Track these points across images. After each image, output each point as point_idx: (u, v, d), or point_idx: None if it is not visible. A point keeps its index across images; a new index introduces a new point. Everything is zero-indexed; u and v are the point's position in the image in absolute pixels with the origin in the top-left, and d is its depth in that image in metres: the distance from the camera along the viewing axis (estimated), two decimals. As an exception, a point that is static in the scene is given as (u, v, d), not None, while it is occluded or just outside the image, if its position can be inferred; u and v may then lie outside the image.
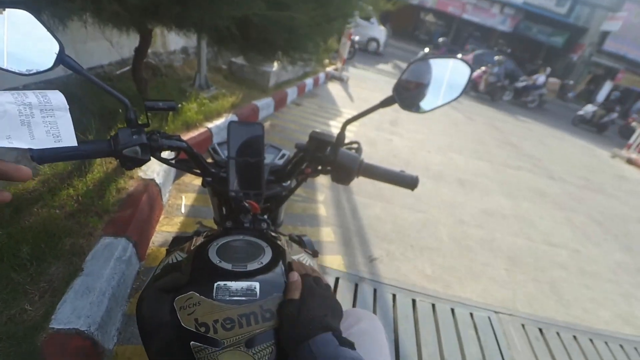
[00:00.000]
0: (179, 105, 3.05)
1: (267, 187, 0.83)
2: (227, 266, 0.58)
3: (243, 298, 0.52)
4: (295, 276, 0.58)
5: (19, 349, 1.09)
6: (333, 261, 2.25)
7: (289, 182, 0.93)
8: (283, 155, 0.97)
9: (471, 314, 2.17)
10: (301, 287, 0.57)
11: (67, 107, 0.36)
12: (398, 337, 1.85)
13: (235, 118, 3.56)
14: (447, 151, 5.31)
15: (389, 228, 2.82)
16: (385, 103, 0.74)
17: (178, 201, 2.32)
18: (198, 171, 0.81)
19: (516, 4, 21.91)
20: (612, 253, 3.62)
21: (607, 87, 18.30)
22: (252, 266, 0.59)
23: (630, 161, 8.58)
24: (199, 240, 0.70)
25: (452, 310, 2.16)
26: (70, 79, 2.79)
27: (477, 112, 9.53)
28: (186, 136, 2.78)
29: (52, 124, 0.35)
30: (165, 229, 2.05)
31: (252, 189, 0.76)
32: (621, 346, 2.31)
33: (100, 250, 1.50)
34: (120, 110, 2.47)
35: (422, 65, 0.74)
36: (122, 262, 1.50)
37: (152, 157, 0.69)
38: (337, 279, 2.11)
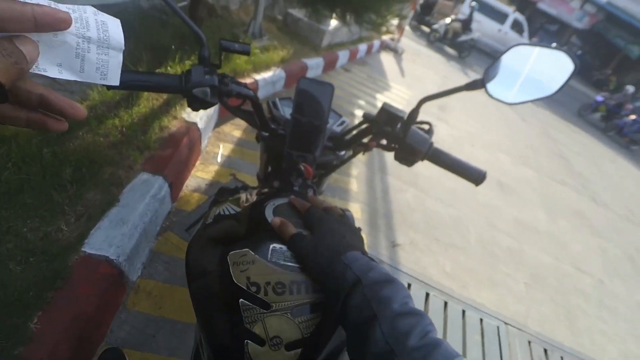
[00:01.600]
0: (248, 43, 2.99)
1: (323, 154, 0.80)
2: None
3: (296, 265, 0.51)
4: (276, 222, 0.56)
5: (50, 266, 1.15)
6: (355, 239, 2.23)
7: (344, 151, 0.88)
8: (342, 123, 0.93)
9: (481, 320, 2.14)
10: (309, 219, 0.56)
11: (123, 47, 0.36)
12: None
13: (282, 73, 3.48)
14: (494, 150, 5.06)
15: (418, 217, 2.76)
16: (472, 86, 0.68)
17: (215, 149, 2.33)
18: (258, 123, 0.77)
19: (599, 3, 19.90)
20: (636, 293, 3.45)
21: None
22: (306, 231, 0.56)
23: None
24: (251, 196, 0.68)
25: (463, 312, 2.13)
26: (129, 6, 2.76)
27: (530, 113, 8.98)
28: (233, 84, 2.75)
29: (104, 62, 0.34)
30: (200, 174, 2.07)
31: (309, 152, 0.72)
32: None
33: (138, 185, 1.53)
34: (172, 47, 2.44)
35: (521, 51, 0.67)
36: (156, 200, 1.53)
37: (218, 102, 0.67)
38: (356, 259, 2.09)
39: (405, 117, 0.74)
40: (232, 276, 0.49)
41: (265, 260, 0.50)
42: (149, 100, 2.03)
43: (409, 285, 2.11)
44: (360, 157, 3.06)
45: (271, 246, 0.52)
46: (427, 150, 0.75)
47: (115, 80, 0.35)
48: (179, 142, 1.85)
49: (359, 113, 4.05)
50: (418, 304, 2.02)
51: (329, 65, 4.81)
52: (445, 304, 2.13)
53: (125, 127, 1.79)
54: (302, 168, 0.69)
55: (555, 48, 0.67)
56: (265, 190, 0.72)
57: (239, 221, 0.60)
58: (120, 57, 0.36)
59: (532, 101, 0.70)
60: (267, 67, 3.39)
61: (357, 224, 2.21)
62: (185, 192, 1.89)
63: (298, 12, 4.94)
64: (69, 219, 1.31)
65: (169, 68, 2.31)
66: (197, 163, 2.14)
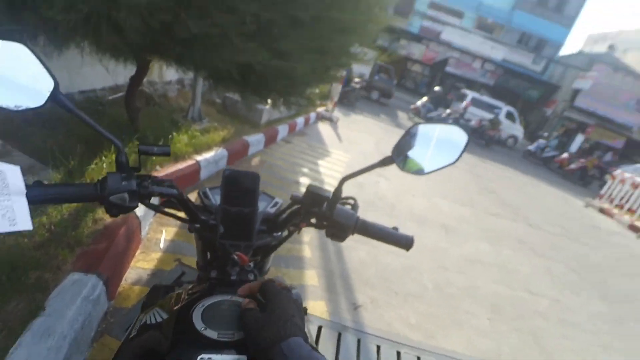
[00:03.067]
0: (170, 137, 3.00)
1: (258, 237, 0.78)
2: (213, 334, 0.52)
3: None
4: (245, 289, 0.56)
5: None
6: (316, 307, 2.13)
7: (280, 232, 0.88)
8: (276, 204, 0.93)
9: (456, 367, 2.06)
10: (265, 292, 0.54)
11: (24, 190, 0.36)
12: (381, 393, 1.72)
13: (224, 152, 3.52)
14: (431, 196, 5.33)
15: (373, 273, 2.73)
16: (384, 163, 0.74)
17: (158, 235, 2.20)
18: (187, 218, 0.75)
19: (496, 61, 23.23)
20: (591, 303, 3.58)
21: (578, 139, 19.37)
22: (240, 335, 0.52)
23: (602, 211, 8.81)
24: (182, 295, 0.63)
25: (437, 363, 2.05)
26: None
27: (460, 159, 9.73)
28: (174, 167, 2.71)
29: (8, 208, 0.34)
30: (141, 265, 1.92)
31: (243, 239, 0.72)
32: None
33: (67, 287, 1.37)
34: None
35: (422, 129, 0.75)
36: (89, 302, 1.37)
37: (137, 214, 0.65)
38: (319, 328, 1.98)
39: (330, 196, 0.77)
40: None
41: None
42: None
43: (378, 347, 2.01)
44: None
45: (199, 357, 0.47)
46: (355, 225, 0.78)
47: (26, 224, 0.35)
48: (115, 234, 1.73)
49: (303, 181, 4.14)
50: (388, 363, 1.91)
51: (270, 139, 4.96)
52: (418, 358, 2.04)
53: (53, 224, 1.65)
54: (236, 257, 0.68)
55: (451, 124, 0.76)
56: (198, 287, 0.69)
57: (164, 330, 0.55)
58: (24, 200, 0.36)
59: (437, 170, 0.76)
60: (208, 147, 3.42)
61: (315, 291, 2.14)
62: (124, 287, 1.72)
63: (235, 95, 5.18)
64: (-18, 341, 1.12)
65: (103, 158, 2.24)
66: (138, 253, 1.99)
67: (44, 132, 2.37)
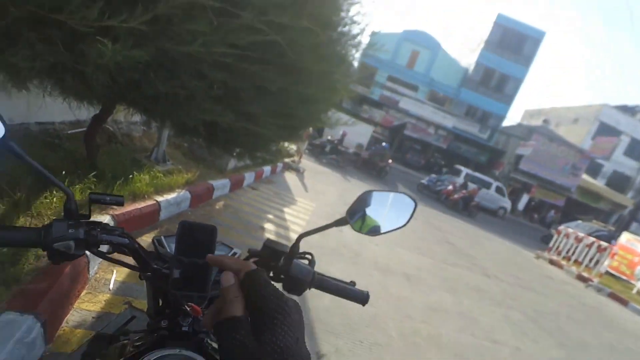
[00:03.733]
0: (130, 176, 2.88)
1: (213, 288, 0.75)
2: None
3: None
4: (229, 279, 0.39)
5: None
6: (277, 354, 1.98)
7: None
8: (235, 254, 0.91)
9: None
10: (250, 293, 0.37)
11: None
12: None
13: (187, 194, 3.41)
14: (393, 245, 5.38)
15: (338, 321, 2.63)
16: (339, 223, 0.77)
17: (108, 275, 2.02)
18: (137, 266, 0.72)
19: (447, 127, 25.36)
20: (550, 350, 3.63)
21: (525, 198, 20.87)
22: None
23: (552, 262, 9.36)
24: (128, 348, 0.59)
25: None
26: (16, 129, 2.57)
27: (418, 212, 10.07)
28: (132, 206, 2.57)
29: None
30: (86, 306, 1.72)
31: (197, 291, 0.68)
32: None
33: (0, 327, 1.19)
34: (63, 172, 2.26)
35: (372, 196, 0.81)
36: (22, 345, 1.19)
37: (86, 251, 0.62)
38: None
39: (287, 250, 0.78)
40: None
41: None
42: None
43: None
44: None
45: None
46: (312, 280, 0.79)
47: None
48: (59, 272, 1.56)
49: (268, 227, 4.06)
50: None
51: (236, 184, 4.91)
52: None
53: (-11, 261, 1.47)
54: (189, 309, 0.67)
55: (400, 192, 0.84)
56: (145, 339, 0.65)
57: None
58: None
59: (388, 232, 0.82)
60: (170, 189, 3.31)
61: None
62: (65, 330, 1.52)
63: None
64: None
65: (55, 192, 2.09)
66: (83, 293, 1.79)
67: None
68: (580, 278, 8.24)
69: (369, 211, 0.79)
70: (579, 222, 13.48)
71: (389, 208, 0.80)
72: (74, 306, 1.68)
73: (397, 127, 25.73)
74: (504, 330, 3.70)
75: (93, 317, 1.67)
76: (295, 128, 3.32)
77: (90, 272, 1.90)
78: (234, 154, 3.18)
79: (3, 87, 1.96)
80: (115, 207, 2.43)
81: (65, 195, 0.61)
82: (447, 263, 5.58)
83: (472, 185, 14.91)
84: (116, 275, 2.04)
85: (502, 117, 27.42)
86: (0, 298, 1.32)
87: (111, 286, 1.95)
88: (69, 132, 3.25)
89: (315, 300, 2.76)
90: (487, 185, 17.57)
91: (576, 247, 9.02)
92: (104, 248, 0.67)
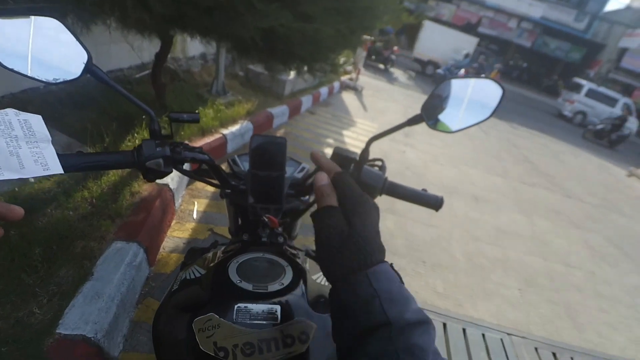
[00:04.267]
0: (196, 111, 3.06)
1: (286, 201, 0.81)
2: (248, 287, 0.56)
3: (264, 322, 0.50)
4: (323, 178, 0.45)
5: (25, 353, 1.07)
6: (343, 274, 2.19)
7: (307, 196, 0.90)
8: (303, 169, 0.95)
9: (483, 335, 2.09)
10: (341, 192, 0.44)
11: (49, 137, 0.38)
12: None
13: (250, 125, 3.56)
14: (461, 165, 5.22)
15: (401, 243, 2.76)
16: (413, 121, 0.71)
17: (190, 206, 2.31)
18: (218, 183, 0.79)
19: (534, 19, 21.70)
20: (629, 275, 3.48)
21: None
22: (273, 287, 0.56)
23: None
24: (217, 254, 0.68)
25: (464, 330, 2.08)
26: (89, 79, 2.82)
27: (489, 125, 9.39)
28: (201, 142, 2.78)
29: (38, 154, 0.36)
30: (177, 234, 2.03)
31: (272, 203, 0.74)
32: (639, 375, 2.19)
33: (112, 255, 1.48)
34: (143, 117, 2.48)
35: (452, 85, 0.72)
36: (132, 268, 1.48)
37: (174, 170, 0.68)
38: (346, 293, 2.05)
39: (357, 157, 0.77)
40: (198, 343, 0.48)
41: (231, 322, 0.49)
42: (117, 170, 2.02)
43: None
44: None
45: (236, 307, 0.51)
46: (382, 186, 0.77)
47: (57, 168, 0.37)
48: (151, 206, 1.83)
49: (328, 151, 4.13)
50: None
51: (294, 111, 4.96)
52: (444, 325, 2.08)
53: (95, 198, 1.76)
54: (267, 220, 0.70)
55: (484, 78, 0.72)
56: (232, 247, 0.73)
57: (203, 284, 0.60)
58: (51, 147, 0.38)
59: (471, 127, 0.73)
60: (233, 121, 3.47)
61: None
62: (163, 255, 1.84)
63: (258, 67, 5.16)
64: (41, 301, 1.24)
65: (136, 135, 2.33)
66: (173, 223, 2.10)
67: (78, 113, 2.49)
68: None
69: (447, 104, 0.72)
70: None
71: (470, 98, 0.72)
72: (167, 234, 1.99)
73: (469, 25, 22.70)
74: (580, 255, 3.59)
75: (184, 243, 1.97)
76: (353, 30, 3.14)
77: (175, 205, 2.19)
78: (293, 67, 3.13)
79: (76, 34, 2.13)
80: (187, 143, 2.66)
81: (149, 117, 0.65)
82: (522, 183, 5.31)
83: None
84: (197, 206, 2.32)
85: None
86: (108, 230, 1.60)
87: (194, 216, 2.23)
88: (137, 76, 3.46)
89: (380, 222, 2.89)
90: (612, 103, 14.87)
91: None
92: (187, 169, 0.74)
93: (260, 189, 0.73)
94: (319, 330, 0.52)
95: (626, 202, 6.32)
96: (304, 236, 2.43)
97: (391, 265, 0.42)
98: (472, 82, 0.72)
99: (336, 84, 7.49)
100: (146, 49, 3.44)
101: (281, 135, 4.09)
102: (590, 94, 14.65)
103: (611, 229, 4.58)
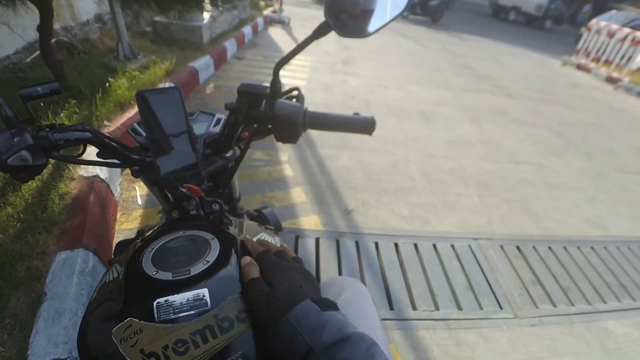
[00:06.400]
0: (107, 84, 2.80)
1: (207, 163, 0.74)
2: (166, 276, 0.49)
3: (192, 312, 0.44)
4: (246, 259, 0.53)
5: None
6: (309, 222, 2.28)
7: (231, 151, 0.82)
8: (219, 121, 0.84)
9: (452, 246, 2.32)
10: (262, 265, 0.52)
11: None
12: (388, 284, 1.96)
13: (172, 85, 3.34)
14: (405, 84, 5.32)
15: (360, 176, 2.86)
16: (319, 32, 0.64)
17: (132, 193, 2.21)
18: (118, 162, 0.67)
19: None
20: (574, 161, 3.90)
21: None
22: (197, 269, 0.50)
23: (580, 67, 8.95)
24: (136, 245, 0.60)
25: (434, 245, 2.30)
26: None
27: (427, 37, 9.48)
28: (123, 117, 2.59)
29: None
30: (126, 226, 1.97)
31: (187, 169, 0.65)
32: (592, 248, 2.57)
33: (59, 268, 1.42)
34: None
35: None
36: (86, 275, 1.44)
37: (50, 159, 0.58)
38: (317, 240, 2.15)
39: (267, 91, 0.70)
40: (124, 356, 0.43)
41: (154, 322, 0.44)
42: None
43: (377, 244, 2.22)
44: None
45: (155, 303, 0.45)
46: (303, 119, 0.71)
47: None
48: (86, 204, 1.73)
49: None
50: (389, 256, 2.14)
51: (219, 60, 4.68)
52: (415, 245, 2.27)
53: (21, 212, 1.64)
54: (186, 190, 0.64)
55: None
56: (153, 231, 0.65)
57: (118, 284, 0.52)
58: None
59: (386, 25, 0.66)
60: (153, 85, 3.23)
61: (305, 207, 2.23)
62: (117, 252, 1.79)
63: (165, 18, 4.70)
64: (2, 338, 1.20)
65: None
66: (118, 215, 2.02)
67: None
68: (610, 80, 7.96)
69: (353, 3, 0.65)
70: (613, 12, 12.21)
71: None
72: (115, 229, 1.92)
73: None
74: (528, 150, 3.94)
75: (135, 233, 1.92)
76: None
77: (115, 195, 2.09)
78: (192, 5, 2.83)
79: None
80: (107, 124, 2.47)
81: None
82: (466, 91, 5.57)
83: None
84: (139, 190, 2.23)
85: None
86: (47, 243, 1.52)
87: (139, 201, 2.16)
88: (28, 60, 3.04)
89: (334, 162, 2.97)
90: None
91: (607, 45, 8.36)
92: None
93: (168, 156, 0.64)
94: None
95: (563, 90, 6.87)
96: (261, 194, 2.45)
97: (312, 299, 0.47)
98: None
99: (260, 20, 7.07)
100: (29, 25, 3.00)
101: (212, 91, 3.90)
102: None
103: (553, 121, 5.00)
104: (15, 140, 0.53)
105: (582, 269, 2.35)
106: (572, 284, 2.22)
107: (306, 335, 0.42)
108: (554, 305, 2.05)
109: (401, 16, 9.74)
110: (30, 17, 2.32)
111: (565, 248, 2.51)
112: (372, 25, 0.66)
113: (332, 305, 0.47)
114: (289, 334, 0.42)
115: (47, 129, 0.57)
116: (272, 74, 0.68)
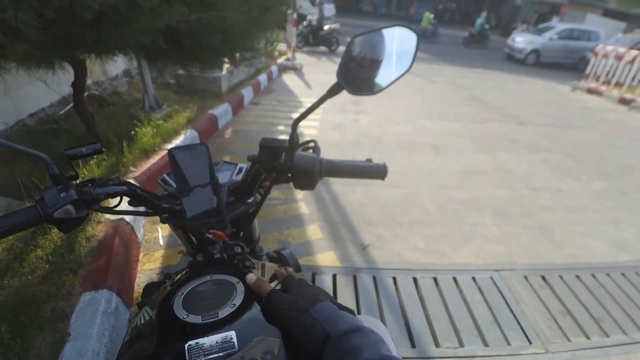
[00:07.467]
0: (133, 133, 2.94)
1: (230, 209, 0.78)
2: (196, 319, 0.52)
3: (221, 354, 0.46)
4: (252, 277, 0.58)
5: None
6: (326, 258, 2.25)
7: (252, 197, 0.87)
8: (240, 170, 0.90)
9: (473, 278, 2.23)
10: (284, 282, 0.58)
11: None
12: (408, 320, 1.88)
13: (194, 133, 3.47)
14: (415, 119, 5.38)
15: (374, 210, 2.85)
16: (333, 92, 0.70)
17: (154, 234, 2.26)
18: (150, 211, 0.73)
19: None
20: (592, 183, 3.80)
21: (555, 22, 19.08)
22: (224, 312, 0.53)
23: (590, 91, 8.90)
24: (166, 289, 0.63)
25: (454, 278, 2.22)
26: (13, 128, 2.65)
27: (435, 73, 9.68)
28: (147, 163, 2.69)
29: None
30: (148, 267, 1.99)
31: (213, 216, 0.70)
32: (623, 274, 2.43)
33: (83, 309, 1.44)
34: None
35: (364, 41, 0.69)
36: (109, 315, 1.45)
37: (91, 211, 0.62)
38: (334, 276, 2.11)
39: (286, 144, 0.76)
40: None
41: None
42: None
43: (394, 279, 2.16)
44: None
45: (186, 346, 0.47)
46: (320, 168, 0.76)
47: None
48: (111, 246, 1.77)
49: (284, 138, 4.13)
50: (408, 291, 2.07)
51: (237, 106, 4.87)
52: (435, 279, 2.20)
53: (49, 255, 1.69)
54: (211, 236, 0.68)
55: (393, 25, 0.69)
56: (181, 275, 0.68)
57: (151, 328, 0.55)
58: None
59: (395, 81, 0.71)
60: (176, 133, 3.37)
61: (321, 243, 2.22)
62: (139, 292, 1.80)
63: (187, 71, 4.97)
64: (24, 379, 1.20)
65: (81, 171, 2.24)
66: (141, 256, 2.05)
67: (5, 169, 2.34)
68: (623, 101, 7.88)
69: (363, 64, 0.70)
70: (619, 36, 12.40)
71: (388, 50, 0.69)
72: (138, 270, 1.95)
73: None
74: (543, 175, 3.86)
75: (157, 273, 1.94)
76: (266, 9, 3.06)
77: (138, 237, 2.13)
78: (210, 61, 3.02)
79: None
80: (133, 169, 2.56)
81: (45, 164, 0.58)
82: (475, 121, 5.58)
83: None
84: (162, 231, 2.27)
85: None
86: (73, 284, 1.55)
87: (161, 242, 2.19)
88: (61, 112, 3.26)
89: (348, 197, 2.97)
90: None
91: (616, 68, 8.33)
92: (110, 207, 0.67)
93: (196, 204, 0.68)
94: (286, 339, 0.50)
95: (575, 114, 6.81)
96: (278, 231, 2.46)
97: (331, 300, 0.52)
98: (384, 32, 0.69)
99: (274, 68, 7.40)
100: (64, 81, 3.23)
101: (230, 135, 4.04)
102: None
103: (567, 144, 4.93)
104: (62, 195, 0.57)
105: (614, 297, 2.22)
106: (604, 313, 2.09)
107: (324, 324, 0.47)
108: (587, 337, 1.91)
109: (297, 47, 9.85)
110: (65, 74, 2.52)
111: (593, 275, 2.38)
112: (379, 84, 0.71)
113: (349, 310, 0.52)
114: (310, 324, 0.48)
115: (89, 185, 0.63)
116: (290, 129, 0.74)
